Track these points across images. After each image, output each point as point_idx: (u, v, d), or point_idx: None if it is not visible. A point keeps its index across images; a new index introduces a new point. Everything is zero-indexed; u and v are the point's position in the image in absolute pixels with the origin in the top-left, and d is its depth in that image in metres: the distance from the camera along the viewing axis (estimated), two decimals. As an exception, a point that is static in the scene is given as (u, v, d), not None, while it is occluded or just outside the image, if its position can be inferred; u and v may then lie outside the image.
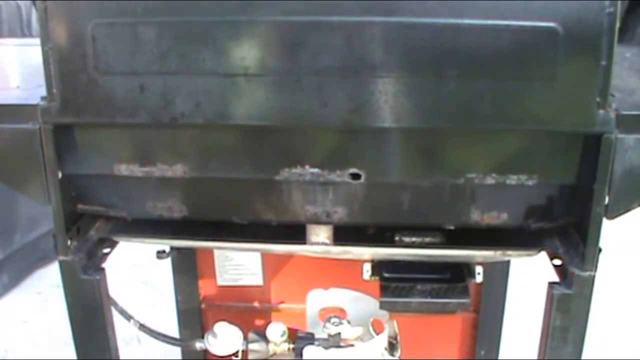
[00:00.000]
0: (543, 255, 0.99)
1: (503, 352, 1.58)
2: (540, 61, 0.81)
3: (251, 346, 1.16)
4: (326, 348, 1.11)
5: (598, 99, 0.82)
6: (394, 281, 1.05)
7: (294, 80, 0.83)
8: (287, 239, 1.02)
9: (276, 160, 0.91)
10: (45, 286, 2.60)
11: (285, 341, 1.15)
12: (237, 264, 1.48)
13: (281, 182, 0.93)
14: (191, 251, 1.48)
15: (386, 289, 1.05)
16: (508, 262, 1.47)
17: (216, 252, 1.47)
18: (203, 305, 1.55)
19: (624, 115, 0.84)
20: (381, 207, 0.97)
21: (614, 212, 0.89)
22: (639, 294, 2.52)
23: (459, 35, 0.80)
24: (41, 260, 2.67)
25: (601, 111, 0.83)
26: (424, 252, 1.02)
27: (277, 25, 0.82)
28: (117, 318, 1.05)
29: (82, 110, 0.87)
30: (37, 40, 0.86)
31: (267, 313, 1.53)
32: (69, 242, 0.96)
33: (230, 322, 1.17)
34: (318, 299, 1.23)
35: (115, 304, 1.07)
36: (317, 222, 0.97)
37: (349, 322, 1.14)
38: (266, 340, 1.15)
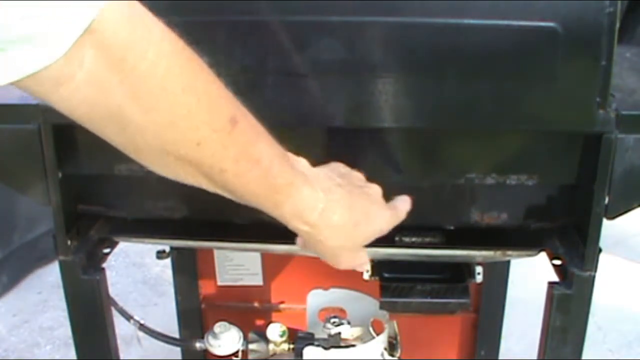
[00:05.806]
0: (543, 255, 0.99)
1: (503, 352, 1.58)
2: (540, 61, 0.81)
3: (251, 346, 1.15)
4: (326, 348, 1.10)
5: (598, 99, 0.82)
6: (394, 281, 1.05)
7: (294, 80, 0.83)
8: (287, 239, 1.02)
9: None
10: (45, 286, 2.60)
11: (285, 341, 1.14)
12: (237, 264, 1.48)
13: (281, 182, 0.92)
14: (191, 251, 1.48)
15: (386, 289, 1.04)
16: (508, 262, 1.47)
17: (216, 252, 1.46)
18: (203, 305, 1.54)
19: (624, 115, 0.84)
20: (381, 207, 0.97)
21: (614, 212, 0.89)
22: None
23: (459, 35, 0.80)
24: (41, 260, 2.67)
25: (601, 111, 0.83)
26: (424, 252, 1.02)
27: (277, 25, 0.82)
28: (117, 318, 1.05)
29: (82, 110, 0.87)
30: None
31: (267, 313, 1.53)
32: (69, 242, 0.96)
33: (230, 322, 1.16)
34: (318, 299, 1.23)
35: (115, 304, 1.07)
36: (317, 222, 0.97)
37: (349, 322, 1.14)
38: (266, 340, 1.15)
